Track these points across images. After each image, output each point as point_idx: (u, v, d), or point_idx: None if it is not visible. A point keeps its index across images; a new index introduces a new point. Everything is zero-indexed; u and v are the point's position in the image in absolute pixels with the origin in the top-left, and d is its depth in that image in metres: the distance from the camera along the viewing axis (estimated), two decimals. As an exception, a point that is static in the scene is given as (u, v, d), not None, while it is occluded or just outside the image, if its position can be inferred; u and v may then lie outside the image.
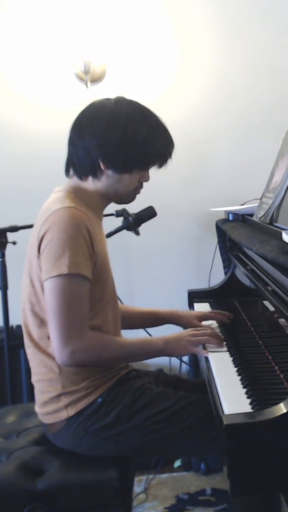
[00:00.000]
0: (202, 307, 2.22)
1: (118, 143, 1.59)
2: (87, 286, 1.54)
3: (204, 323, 1.91)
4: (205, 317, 1.94)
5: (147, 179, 1.69)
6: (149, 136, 1.60)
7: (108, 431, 1.58)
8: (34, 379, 1.67)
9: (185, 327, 1.86)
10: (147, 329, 2.05)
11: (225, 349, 1.67)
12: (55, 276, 1.49)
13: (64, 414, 1.59)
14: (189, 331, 1.71)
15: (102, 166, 1.61)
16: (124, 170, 1.63)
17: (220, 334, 1.77)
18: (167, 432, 1.59)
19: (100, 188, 1.65)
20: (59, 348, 1.51)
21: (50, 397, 1.61)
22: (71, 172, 1.68)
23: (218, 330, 1.83)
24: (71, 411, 1.58)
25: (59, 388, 1.59)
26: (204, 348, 1.68)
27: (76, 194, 1.64)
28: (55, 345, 1.52)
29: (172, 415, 1.59)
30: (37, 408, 1.68)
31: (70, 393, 1.59)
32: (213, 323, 1.93)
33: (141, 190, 1.72)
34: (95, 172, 1.63)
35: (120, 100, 1.65)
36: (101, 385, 1.61)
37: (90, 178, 1.64)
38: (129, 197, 1.71)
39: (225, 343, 1.70)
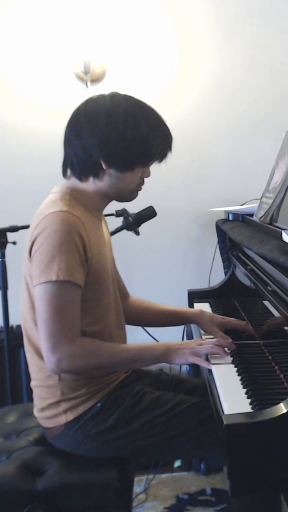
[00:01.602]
0: (202, 307, 2.20)
1: (119, 141, 1.55)
2: (77, 292, 1.49)
3: None
4: (227, 325, 1.83)
5: (148, 175, 1.66)
6: (149, 131, 1.57)
7: (107, 435, 1.57)
8: (33, 384, 1.66)
9: (205, 330, 1.82)
10: (151, 332, 2.03)
11: (228, 356, 1.61)
12: (44, 283, 1.46)
13: (63, 419, 1.58)
14: (195, 341, 1.65)
15: (103, 166, 1.57)
16: (127, 168, 1.59)
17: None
18: (167, 435, 1.58)
19: (102, 187, 1.61)
20: (46, 356, 1.48)
21: (49, 403, 1.59)
22: (69, 173, 1.63)
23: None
24: (70, 416, 1.57)
25: (58, 395, 1.58)
26: (207, 360, 1.59)
27: (73, 195, 1.59)
28: (43, 353, 1.49)
29: (171, 419, 1.58)
30: (36, 412, 1.67)
31: (70, 399, 1.57)
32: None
33: (142, 191, 1.69)
34: (97, 172, 1.59)
35: (115, 95, 1.61)
36: (101, 390, 1.60)
37: (91, 179, 1.60)
38: (131, 195, 1.67)
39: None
